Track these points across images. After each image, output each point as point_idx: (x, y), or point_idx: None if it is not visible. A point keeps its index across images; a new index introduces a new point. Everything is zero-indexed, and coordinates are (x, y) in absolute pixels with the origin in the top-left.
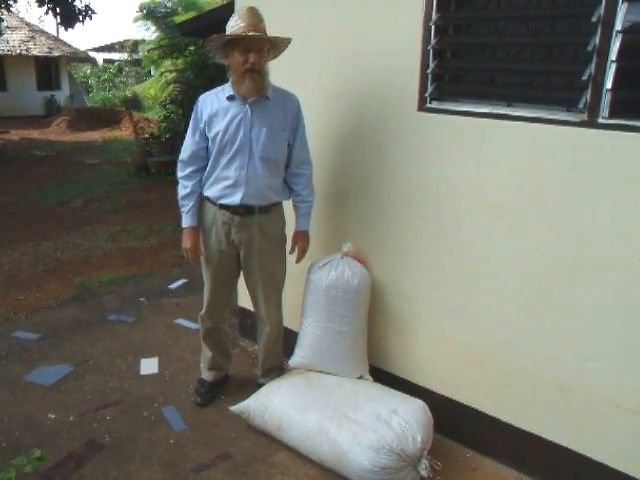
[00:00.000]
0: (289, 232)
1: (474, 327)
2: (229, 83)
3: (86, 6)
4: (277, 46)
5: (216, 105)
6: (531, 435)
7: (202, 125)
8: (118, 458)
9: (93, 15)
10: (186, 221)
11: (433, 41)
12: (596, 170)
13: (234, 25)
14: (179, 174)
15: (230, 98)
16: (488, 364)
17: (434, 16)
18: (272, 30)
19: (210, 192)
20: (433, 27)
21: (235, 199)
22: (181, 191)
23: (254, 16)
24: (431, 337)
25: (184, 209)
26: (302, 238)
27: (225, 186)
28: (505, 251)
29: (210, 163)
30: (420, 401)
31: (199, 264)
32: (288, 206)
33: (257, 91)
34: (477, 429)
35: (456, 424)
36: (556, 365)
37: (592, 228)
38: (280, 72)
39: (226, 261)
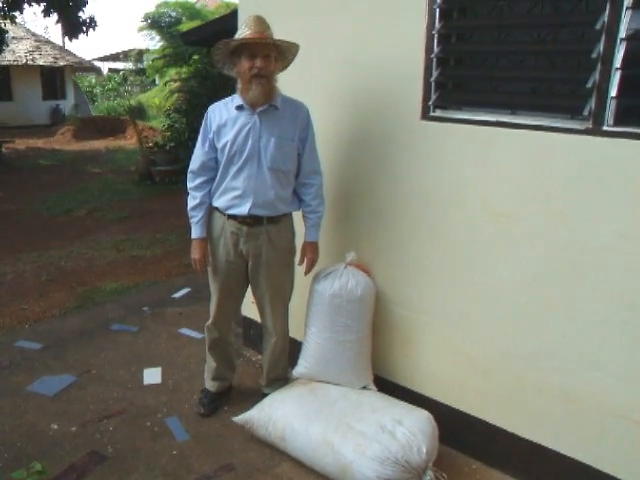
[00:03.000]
0: (299, 243)
1: (478, 336)
2: (237, 93)
3: (90, 17)
4: (284, 54)
5: (225, 115)
6: (537, 446)
7: (211, 135)
8: (120, 469)
9: (96, 27)
10: (195, 232)
11: (436, 49)
12: (601, 178)
13: (241, 33)
14: (189, 185)
15: (239, 108)
16: (493, 374)
17: (437, 24)
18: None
19: (219, 202)
20: (436, 35)
21: (243, 209)
22: (191, 202)
23: (261, 24)
24: (435, 346)
25: (193, 220)
26: (311, 249)
27: (234, 196)
28: (510, 259)
29: (219, 173)
30: (425, 411)
31: (205, 274)
32: (299, 217)
33: (265, 97)
34: (483, 440)
35: (461, 434)
36: (562, 375)
37: (597, 236)
38: (282, 79)
39: (234, 272)
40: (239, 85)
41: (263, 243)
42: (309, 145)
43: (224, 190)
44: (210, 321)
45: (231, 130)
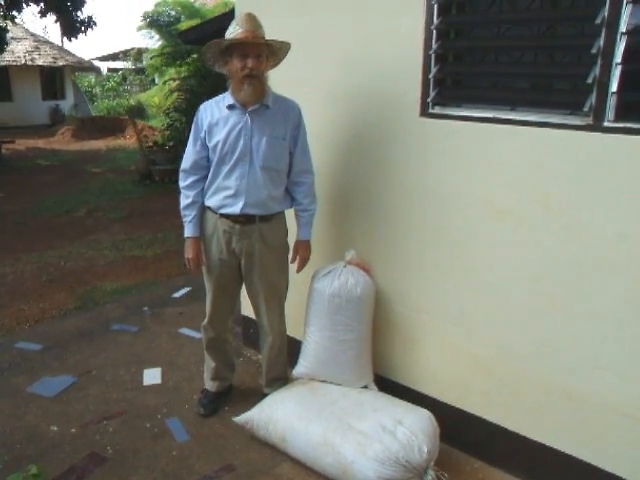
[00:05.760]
0: (293, 241)
1: (479, 335)
2: (229, 91)
3: (88, 17)
4: (276, 53)
5: (216, 114)
6: (539, 444)
7: (203, 134)
8: (120, 471)
9: (94, 26)
10: (188, 231)
11: (435, 45)
12: (602, 174)
13: (232, 31)
14: (181, 184)
15: (230, 107)
16: (494, 372)
17: (435, 20)
18: (272, 37)
19: (211, 202)
20: (435, 31)
21: (235, 209)
22: (183, 201)
23: (252, 22)
24: (436, 345)
25: (186, 219)
26: (303, 248)
27: (226, 196)
28: (510, 257)
29: (211, 173)
30: (426, 411)
31: (202, 273)
32: (292, 215)
33: (256, 97)
34: (484, 438)
35: (463, 433)
36: (564, 373)
37: (598, 232)
38: (281, 77)
39: (227, 270)
40: (230, 84)
41: (256, 241)
42: (301, 144)
43: (216, 189)
44: (206, 320)
45: (223, 129)
